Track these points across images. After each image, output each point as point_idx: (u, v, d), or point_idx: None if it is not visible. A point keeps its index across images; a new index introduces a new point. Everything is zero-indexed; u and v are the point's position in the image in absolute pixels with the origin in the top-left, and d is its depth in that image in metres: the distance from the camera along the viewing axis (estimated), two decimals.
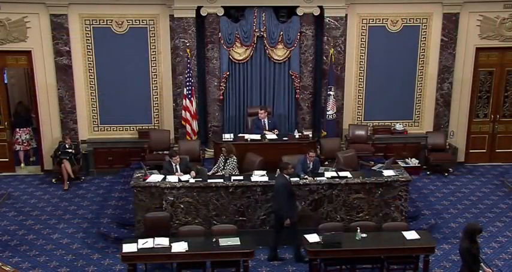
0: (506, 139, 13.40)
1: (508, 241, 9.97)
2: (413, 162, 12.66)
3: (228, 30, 12.13)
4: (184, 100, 12.02)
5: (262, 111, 11.78)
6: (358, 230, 8.57)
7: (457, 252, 9.53)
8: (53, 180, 12.40)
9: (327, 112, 12.25)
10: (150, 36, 12.35)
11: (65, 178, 12.09)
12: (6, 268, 7.74)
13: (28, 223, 10.69)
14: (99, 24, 12.22)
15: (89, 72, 12.43)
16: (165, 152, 12.10)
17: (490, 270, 7.49)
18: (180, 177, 9.75)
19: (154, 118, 12.81)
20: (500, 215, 10.95)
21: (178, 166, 10.04)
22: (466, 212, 11.09)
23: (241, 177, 9.83)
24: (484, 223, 10.58)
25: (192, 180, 9.63)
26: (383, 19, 12.52)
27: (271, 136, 11.54)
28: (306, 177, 9.76)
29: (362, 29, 12.57)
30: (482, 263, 7.47)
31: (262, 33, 12.19)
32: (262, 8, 12.06)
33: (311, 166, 10.18)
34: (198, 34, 12.19)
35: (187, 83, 11.92)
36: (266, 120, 11.82)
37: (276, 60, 12.37)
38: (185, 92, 11.98)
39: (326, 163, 11.32)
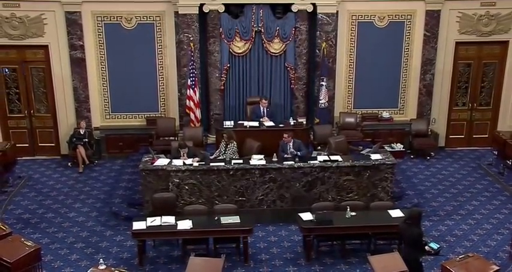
0: (482, 125, 13.43)
1: (483, 218, 10.07)
2: (399, 146, 12.68)
3: (228, 26, 12.11)
4: (188, 90, 12.02)
5: (266, 100, 11.84)
6: (348, 209, 8.65)
7: (438, 228, 9.71)
8: (69, 164, 12.43)
9: (320, 101, 12.27)
10: (156, 31, 12.31)
11: (79, 162, 12.13)
12: (27, 243, 7.83)
13: (47, 203, 10.77)
14: (110, 20, 12.19)
15: (101, 65, 12.43)
16: (171, 138, 12.16)
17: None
18: (184, 161, 9.78)
19: (161, 107, 12.81)
20: (476, 195, 11.04)
21: (186, 156, 10.05)
22: (445, 192, 11.17)
23: (240, 161, 9.87)
24: (462, 202, 10.69)
25: (195, 164, 9.67)
26: (371, 15, 12.49)
27: (268, 123, 11.58)
28: (285, 155, 9.93)
29: (352, 25, 12.53)
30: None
31: (260, 29, 12.15)
32: (260, 5, 12.00)
33: (291, 148, 10.25)
34: (201, 29, 12.15)
35: (191, 74, 11.91)
36: (265, 109, 11.85)
37: (272, 53, 12.34)
38: (189, 83, 11.97)
39: (319, 148, 11.37)
